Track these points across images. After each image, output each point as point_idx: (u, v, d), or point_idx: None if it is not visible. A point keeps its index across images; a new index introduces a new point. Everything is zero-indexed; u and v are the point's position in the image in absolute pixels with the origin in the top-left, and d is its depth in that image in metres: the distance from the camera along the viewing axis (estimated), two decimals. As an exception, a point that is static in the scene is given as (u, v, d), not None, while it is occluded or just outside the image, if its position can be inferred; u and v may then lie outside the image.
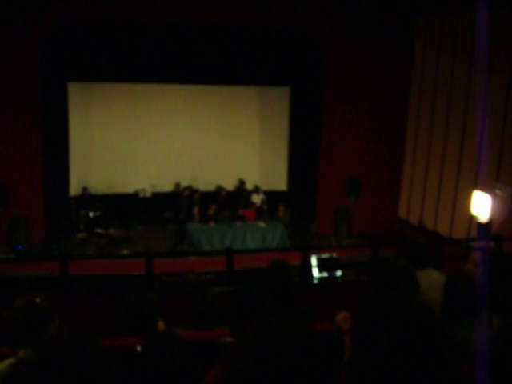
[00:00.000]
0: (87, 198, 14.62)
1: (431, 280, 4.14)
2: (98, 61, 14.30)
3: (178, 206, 14.63)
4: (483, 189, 11.95)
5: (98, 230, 14.16)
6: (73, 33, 13.75)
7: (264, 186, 15.81)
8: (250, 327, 1.63)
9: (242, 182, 15.58)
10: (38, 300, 3.43)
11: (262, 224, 14.40)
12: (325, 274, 7.84)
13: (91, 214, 14.26)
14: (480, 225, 11.88)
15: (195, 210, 14.30)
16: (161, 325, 4.01)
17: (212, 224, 14.14)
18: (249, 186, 15.61)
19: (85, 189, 14.75)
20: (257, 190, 15.42)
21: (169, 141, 15.72)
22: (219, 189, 15.13)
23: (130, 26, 14.06)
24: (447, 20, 13.65)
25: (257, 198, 15.27)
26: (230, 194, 15.23)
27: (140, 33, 14.18)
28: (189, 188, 14.94)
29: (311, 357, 1.54)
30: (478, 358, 2.30)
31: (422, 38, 14.60)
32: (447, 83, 13.69)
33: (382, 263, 7.17)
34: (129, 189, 15.33)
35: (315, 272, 7.82)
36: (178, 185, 15.28)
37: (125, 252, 13.08)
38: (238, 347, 1.61)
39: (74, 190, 15.04)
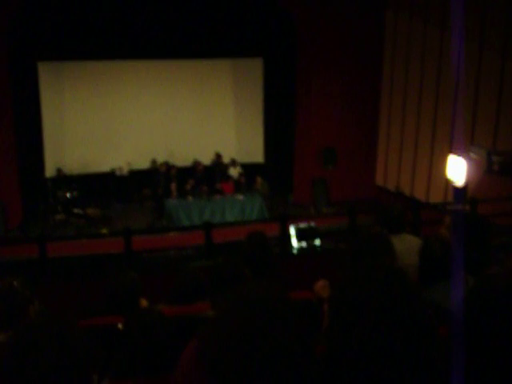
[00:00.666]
0: (63, 179, 14.49)
1: (407, 245, 4.18)
2: (68, 39, 14.06)
3: (155, 183, 14.58)
4: (458, 152, 12.04)
5: (76, 211, 14.07)
6: (41, 10, 13.49)
7: (241, 159, 15.78)
8: (224, 298, 1.65)
9: (218, 156, 15.53)
10: (15, 283, 3.42)
11: (240, 197, 14.42)
12: (304, 244, 7.89)
13: (68, 195, 14.14)
14: (456, 189, 11.98)
15: (173, 186, 14.27)
16: (143, 302, 4.02)
17: (190, 199, 14.13)
18: (225, 160, 15.56)
19: (60, 170, 14.60)
20: (233, 162, 15.39)
21: (143, 117, 15.60)
22: (196, 163, 15.08)
23: (99, 1, 13.83)
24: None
25: (234, 171, 15.26)
26: (207, 168, 15.18)
27: (110, 7, 13.96)
28: (165, 164, 14.88)
29: (284, 322, 1.56)
30: (454, 319, 2.34)
31: (394, 4, 14.57)
32: (420, 47, 13.70)
33: (358, 231, 7.24)
34: (105, 168, 15.23)
35: (294, 242, 7.86)
36: (154, 161, 15.21)
37: (104, 231, 13.03)
38: (212, 319, 1.63)
39: (50, 171, 14.87)
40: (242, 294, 1.63)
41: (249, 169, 15.54)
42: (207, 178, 14.82)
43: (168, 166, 14.82)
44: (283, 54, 15.65)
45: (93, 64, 15.09)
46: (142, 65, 15.45)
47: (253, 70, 16.25)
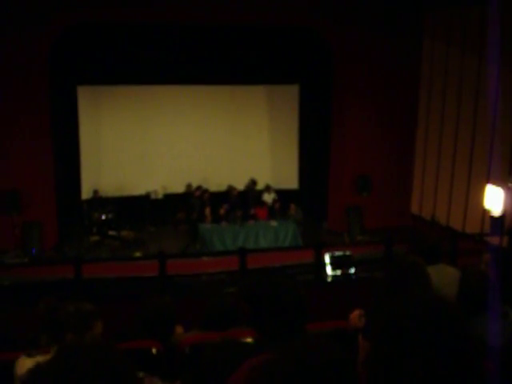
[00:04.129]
0: (99, 201, 14.65)
1: (444, 275, 4.12)
2: (107, 64, 14.31)
3: (189, 207, 14.64)
4: (496, 182, 11.90)
5: (111, 233, 14.20)
6: (81, 37, 13.76)
7: (275, 185, 15.79)
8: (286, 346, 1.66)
9: (253, 182, 15.56)
10: (59, 305, 3.46)
11: (273, 223, 14.40)
12: (338, 272, 7.83)
13: (103, 217, 14.30)
14: (493, 219, 11.83)
15: (207, 211, 14.32)
16: (178, 329, 4.00)
17: (224, 224, 14.16)
18: (260, 186, 15.58)
19: (96, 192, 14.76)
20: (268, 188, 15.40)
21: (179, 142, 15.73)
22: (230, 188, 15.12)
23: (138, 29, 14.06)
24: (455, 13, 13.59)
25: (268, 197, 15.26)
26: (241, 193, 15.21)
27: (148, 35, 14.18)
28: (199, 188, 14.95)
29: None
30: (492, 353, 2.30)
31: (431, 32, 14.54)
32: (457, 77, 13.63)
33: (393, 259, 7.15)
34: (140, 191, 15.35)
35: (329, 270, 7.80)
36: (189, 185, 15.28)
37: (137, 254, 13.11)
38: (269, 363, 1.63)
39: (86, 193, 15.06)
40: (304, 347, 1.63)
41: (283, 195, 15.52)
42: (241, 203, 14.83)
43: (202, 191, 14.89)
44: (319, 81, 15.69)
45: (130, 88, 15.33)
46: (178, 90, 15.63)
47: (289, 96, 16.31)
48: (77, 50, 13.89)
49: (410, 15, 14.47)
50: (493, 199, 11.91)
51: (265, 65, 15.16)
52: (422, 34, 14.75)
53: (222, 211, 14.40)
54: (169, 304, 3.99)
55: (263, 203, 15.06)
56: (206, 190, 14.93)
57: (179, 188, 15.44)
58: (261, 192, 15.40)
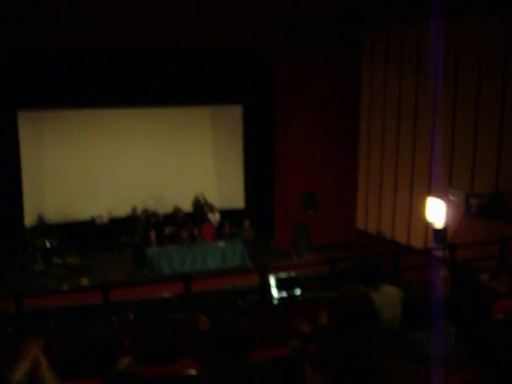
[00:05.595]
0: (43, 228, 14.36)
1: (387, 297, 4.18)
2: (47, 88, 14.09)
3: (133, 231, 14.50)
4: (437, 195, 12.17)
5: (56, 260, 13.92)
6: (20, 61, 13.58)
7: (222, 205, 15.83)
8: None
9: (197, 200, 15.53)
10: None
11: (221, 243, 14.38)
12: (284, 294, 7.86)
13: (48, 244, 14.01)
14: (436, 231, 12.07)
15: (152, 234, 14.21)
16: (123, 361, 3.71)
17: (171, 246, 14.06)
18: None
19: (40, 218, 14.47)
20: (212, 208, 15.39)
21: (123, 165, 15.55)
22: (177, 209, 15.07)
23: (77, 52, 13.95)
24: (392, 32, 13.92)
25: (213, 217, 15.25)
26: (188, 214, 15.17)
27: (88, 58, 14.08)
28: (145, 211, 14.83)
29: None
30: (434, 362, 2.47)
31: (369, 50, 14.84)
32: (396, 94, 13.94)
33: (338, 287, 7.27)
34: (85, 216, 15.11)
35: (274, 292, 7.83)
36: (134, 209, 15.12)
37: (84, 281, 12.88)
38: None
39: (29, 219, 14.74)
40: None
41: (230, 214, 15.54)
42: (188, 223, 14.77)
43: (147, 214, 14.78)
44: (262, 101, 15.79)
45: (71, 112, 15.10)
46: (121, 113, 15.49)
47: (232, 116, 16.36)
48: (16, 74, 13.68)
49: (348, 35, 14.73)
50: (435, 212, 12.17)
51: (208, 86, 15.20)
52: (360, 53, 15.04)
53: (167, 232, 14.32)
54: (112, 333, 3.67)
55: (209, 222, 15.04)
56: (153, 213, 14.84)
57: (124, 212, 15.26)
58: (205, 212, 15.38)
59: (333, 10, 12.77)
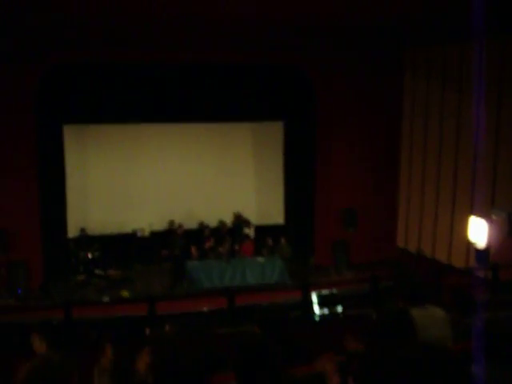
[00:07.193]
0: (85, 240, 14.61)
1: (433, 317, 4.18)
2: (93, 103, 14.38)
3: (172, 244, 14.64)
4: (479, 214, 12.02)
5: (98, 272, 14.15)
6: (67, 76, 13.92)
7: (261, 221, 15.94)
8: None
9: (237, 216, 15.61)
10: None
11: (260, 259, 14.43)
12: (325, 311, 7.87)
13: (90, 256, 14.26)
14: (478, 251, 11.92)
15: (193, 248, 14.35)
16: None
17: (211, 261, 14.17)
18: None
19: (83, 230, 14.74)
20: (247, 222, 15.44)
21: (165, 179, 15.74)
22: (221, 225, 15.16)
23: (123, 68, 14.23)
24: (435, 50, 13.87)
25: (249, 231, 15.33)
26: (228, 229, 15.30)
27: (134, 74, 14.35)
28: (181, 226, 14.92)
29: None
30: None
31: (412, 68, 14.80)
32: (438, 111, 13.85)
33: (380, 305, 7.23)
34: (127, 228, 15.33)
35: (316, 309, 7.84)
36: (172, 222, 15.26)
37: (124, 293, 13.06)
38: None
39: (72, 231, 15.01)
40: None
41: (269, 230, 15.60)
42: (228, 238, 14.87)
43: (184, 228, 14.88)
44: (303, 118, 15.83)
45: (116, 127, 15.41)
46: (164, 128, 15.70)
47: (273, 132, 16.42)
48: (63, 89, 14.03)
49: (390, 52, 14.72)
50: (477, 231, 12.02)
51: (250, 102, 15.30)
52: (403, 70, 15.00)
53: (206, 246, 14.45)
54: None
55: (248, 238, 15.11)
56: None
57: (164, 225, 15.43)
58: (242, 227, 15.47)
59: (375, 27, 12.78)
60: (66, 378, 3.08)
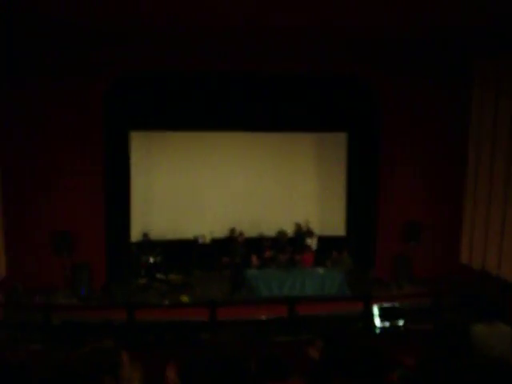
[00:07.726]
0: (148, 244, 14.85)
1: (501, 334, 4.08)
2: (158, 110, 14.68)
3: (233, 252, 14.71)
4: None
5: (159, 276, 14.37)
6: (133, 84, 14.22)
7: (322, 232, 15.86)
8: None
9: (298, 226, 15.63)
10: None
11: (320, 270, 14.34)
12: (387, 324, 7.76)
13: (152, 260, 14.49)
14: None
15: (253, 257, 14.40)
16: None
17: (271, 270, 14.19)
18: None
19: (145, 235, 15.00)
20: (310, 233, 15.41)
21: (227, 187, 15.90)
22: (282, 234, 15.18)
23: (188, 76, 14.43)
24: (505, 63, 13.54)
25: (311, 242, 15.27)
26: (288, 239, 15.29)
27: (198, 82, 14.54)
28: (242, 234, 14.98)
29: None
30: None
31: (480, 81, 14.48)
32: (507, 126, 13.51)
33: (441, 316, 7.11)
34: (188, 235, 15.52)
35: (377, 321, 7.74)
36: (233, 230, 15.36)
37: (184, 298, 13.21)
38: None
39: (135, 235, 15.31)
40: None
41: (331, 242, 15.51)
42: (288, 247, 14.86)
43: (245, 236, 14.92)
44: (367, 129, 15.72)
45: (181, 134, 15.65)
46: (227, 136, 15.88)
47: (336, 144, 16.37)
48: (129, 97, 14.34)
49: (458, 63, 14.46)
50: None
51: (313, 113, 15.32)
52: (471, 83, 14.68)
53: (266, 255, 14.48)
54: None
55: (307, 247, 15.06)
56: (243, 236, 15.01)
57: (225, 233, 15.56)
58: (304, 236, 15.44)
59: (441, 37, 12.59)
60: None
